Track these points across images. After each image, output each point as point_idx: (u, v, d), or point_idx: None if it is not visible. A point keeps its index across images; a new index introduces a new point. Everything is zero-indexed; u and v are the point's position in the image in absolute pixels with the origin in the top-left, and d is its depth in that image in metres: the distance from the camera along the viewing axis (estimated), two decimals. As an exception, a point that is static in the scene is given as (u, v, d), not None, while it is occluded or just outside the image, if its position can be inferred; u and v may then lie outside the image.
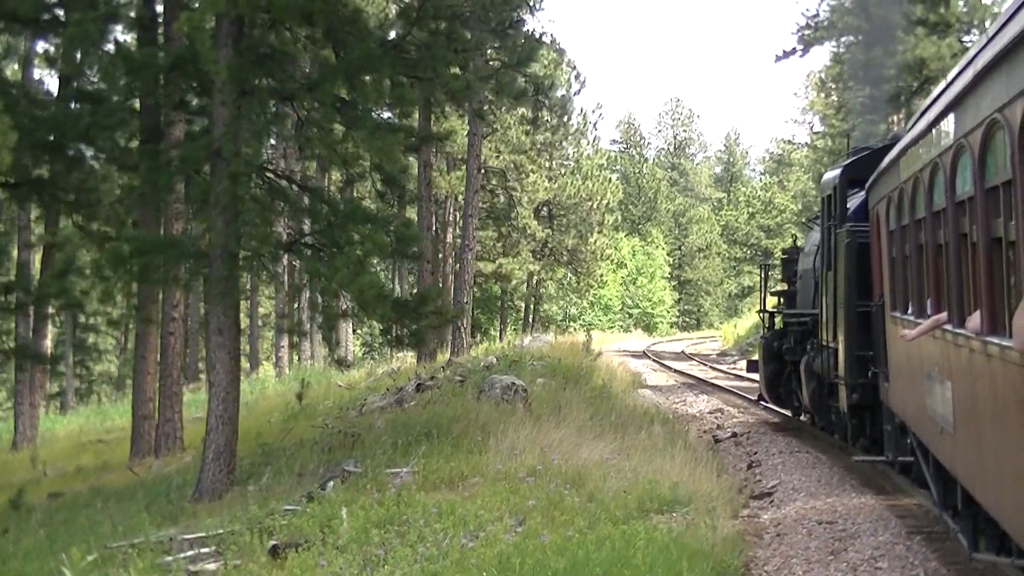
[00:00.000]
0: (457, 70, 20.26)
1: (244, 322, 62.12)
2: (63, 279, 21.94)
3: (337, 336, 19.30)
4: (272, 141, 26.76)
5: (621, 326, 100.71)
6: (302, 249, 19.03)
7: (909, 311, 13.72)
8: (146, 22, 23.75)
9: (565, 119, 76.29)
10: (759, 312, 31.51)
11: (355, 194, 40.65)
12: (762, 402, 29.23)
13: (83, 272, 22.27)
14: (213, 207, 18.40)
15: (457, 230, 67.85)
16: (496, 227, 70.21)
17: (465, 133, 41.61)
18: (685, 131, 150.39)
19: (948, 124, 10.43)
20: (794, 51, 56.90)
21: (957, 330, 10.07)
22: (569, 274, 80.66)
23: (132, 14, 23.19)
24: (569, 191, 74.44)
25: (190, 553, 13.65)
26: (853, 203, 20.88)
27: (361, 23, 18.32)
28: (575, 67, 77.76)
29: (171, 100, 19.85)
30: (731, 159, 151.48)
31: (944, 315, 10.97)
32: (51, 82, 39.19)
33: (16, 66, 36.39)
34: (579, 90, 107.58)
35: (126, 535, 15.30)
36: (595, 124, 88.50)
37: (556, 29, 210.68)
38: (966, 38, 40.35)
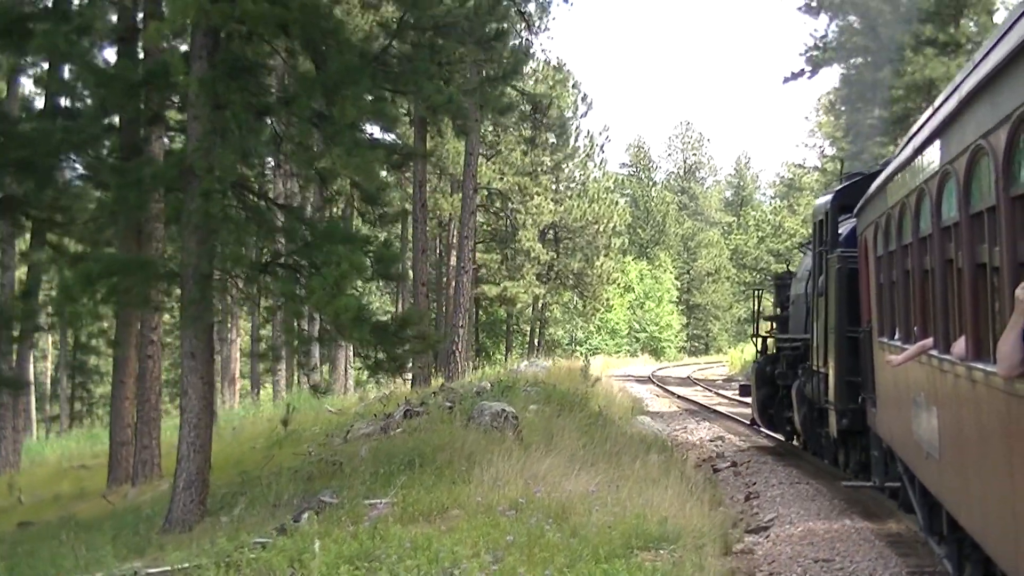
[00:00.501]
0: (442, 83, 19.46)
1: (245, 342, 61.62)
2: (28, 301, 21.15)
3: (315, 360, 18.44)
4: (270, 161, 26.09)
5: (628, 350, 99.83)
6: (278, 270, 18.25)
7: (896, 337, 13.81)
8: (125, 35, 22.95)
9: (572, 141, 75.80)
10: (752, 337, 31.39)
11: (339, 213, 39.65)
12: (755, 426, 29.27)
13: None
14: (185, 226, 17.66)
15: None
16: (500, 250, 69.50)
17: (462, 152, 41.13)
18: (695, 155, 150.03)
19: (934, 150, 10.54)
20: (802, 72, 56.31)
21: (943, 356, 10.13)
22: (575, 298, 79.83)
23: (109, 27, 22.39)
24: (575, 214, 73.86)
25: (153, 587, 12.94)
26: (845, 228, 20.91)
27: (340, 34, 17.52)
28: (581, 89, 77.04)
29: (143, 114, 19.07)
30: (741, 183, 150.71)
31: (930, 341, 11.05)
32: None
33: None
34: (586, 112, 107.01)
35: (88, 568, 14.67)
36: (602, 147, 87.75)
37: (558, 49, 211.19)
38: (976, 58, 39.59)
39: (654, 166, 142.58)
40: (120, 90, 18.31)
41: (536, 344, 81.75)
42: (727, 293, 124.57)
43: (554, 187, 74.91)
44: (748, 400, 31.48)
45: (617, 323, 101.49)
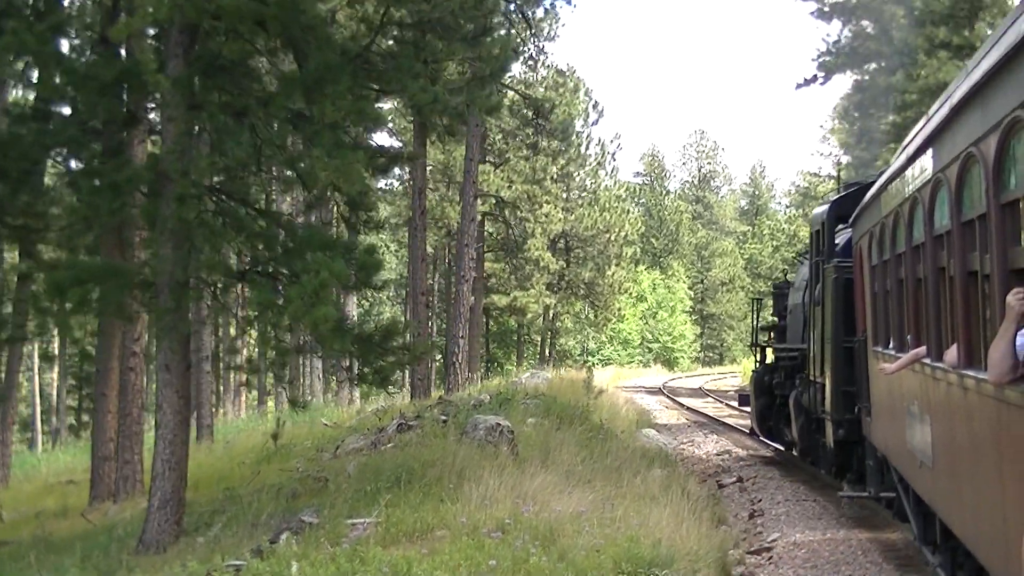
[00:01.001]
0: (428, 82, 18.59)
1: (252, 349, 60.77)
2: (16, 309, 20.26)
3: (292, 373, 17.55)
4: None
5: (641, 361, 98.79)
6: (256, 278, 17.41)
7: (890, 346, 13.79)
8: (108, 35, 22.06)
9: (582, 148, 75.00)
10: (751, 346, 31.79)
11: (337, 222, 38.73)
12: (754, 436, 29.38)
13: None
14: (159, 232, 16.85)
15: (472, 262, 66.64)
16: (508, 259, 68.70)
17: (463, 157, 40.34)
18: (709, 163, 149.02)
19: (926, 159, 10.62)
20: (815, 78, 55.52)
21: (935, 364, 10.19)
22: (586, 308, 78.96)
23: (85, 25, 21.51)
24: (586, 223, 73.03)
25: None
26: (842, 238, 20.87)
27: (320, 31, 16.66)
28: (592, 96, 76.16)
29: (119, 116, 18.24)
30: (756, 192, 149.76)
31: (923, 349, 11.07)
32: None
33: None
34: (597, 120, 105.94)
35: (51, 593, 13.80)
36: (613, 155, 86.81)
37: (571, 57, 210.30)
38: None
39: (668, 175, 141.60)
40: (93, 90, 17.50)
41: (547, 354, 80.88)
42: (741, 303, 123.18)
43: (564, 195, 74.17)
44: (748, 410, 31.17)
45: (629, 333, 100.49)
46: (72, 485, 30.02)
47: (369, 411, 31.96)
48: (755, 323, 31.14)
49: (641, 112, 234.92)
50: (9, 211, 19.83)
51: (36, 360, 72.70)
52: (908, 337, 12.32)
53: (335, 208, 30.13)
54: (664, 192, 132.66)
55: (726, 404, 47.41)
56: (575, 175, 76.17)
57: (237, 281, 17.50)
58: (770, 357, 28.39)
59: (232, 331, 49.14)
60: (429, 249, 71.67)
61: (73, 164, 20.81)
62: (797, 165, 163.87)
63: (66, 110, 20.18)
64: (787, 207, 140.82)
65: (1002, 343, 7.32)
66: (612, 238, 74.98)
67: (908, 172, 11.93)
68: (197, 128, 17.56)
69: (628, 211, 79.25)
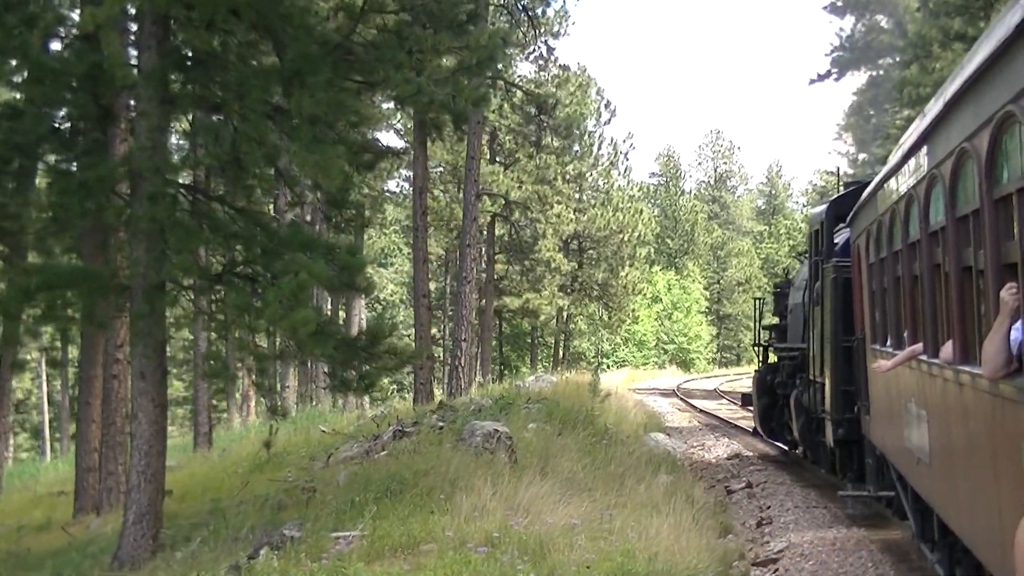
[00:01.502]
0: (412, 74, 17.73)
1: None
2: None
3: (272, 381, 16.78)
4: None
5: (656, 362, 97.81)
6: (233, 280, 16.59)
7: (888, 343, 13.79)
8: (92, 32, 21.18)
9: (595, 148, 74.22)
10: (753, 346, 32.16)
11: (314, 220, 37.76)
12: (758, 435, 29.59)
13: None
14: (132, 233, 16.06)
15: (483, 264, 65.71)
16: (520, 261, 67.85)
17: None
18: (726, 163, 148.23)
19: (922, 156, 10.68)
20: (829, 74, 54.75)
21: (932, 360, 10.26)
22: (600, 309, 78.01)
23: (55, 19, 20.63)
24: (599, 223, 72.11)
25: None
26: (841, 238, 20.82)
27: (297, 19, 15.81)
28: (604, 96, 75.28)
29: (90, 112, 17.43)
30: (773, 191, 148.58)
31: (919, 346, 11.12)
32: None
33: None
34: (609, 119, 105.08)
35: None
36: (626, 154, 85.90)
37: (583, 56, 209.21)
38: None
39: (683, 175, 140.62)
40: (63, 85, 16.71)
41: (561, 357, 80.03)
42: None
43: (577, 196, 73.38)
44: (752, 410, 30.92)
45: (644, 335, 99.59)
46: (63, 496, 29.22)
47: (371, 417, 31.13)
48: (757, 323, 31.24)
49: (657, 113, 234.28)
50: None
51: (44, 367, 72.05)
52: (905, 334, 12.29)
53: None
54: (679, 192, 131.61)
55: (740, 406, 46.48)
56: (587, 175, 75.37)
57: (213, 284, 16.62)
58: (773, 357, 28.36)
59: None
60: (440, 251, 71.14)
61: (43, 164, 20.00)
62: (814, 164, 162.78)
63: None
64: (804, 206, 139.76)
65: (996, 338, 7.32)
66: (626, 238, 74.07)
67: (904, 169, 11.99)
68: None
69: (641, 211, 78.05)
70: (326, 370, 18.22)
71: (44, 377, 73.84)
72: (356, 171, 19.03)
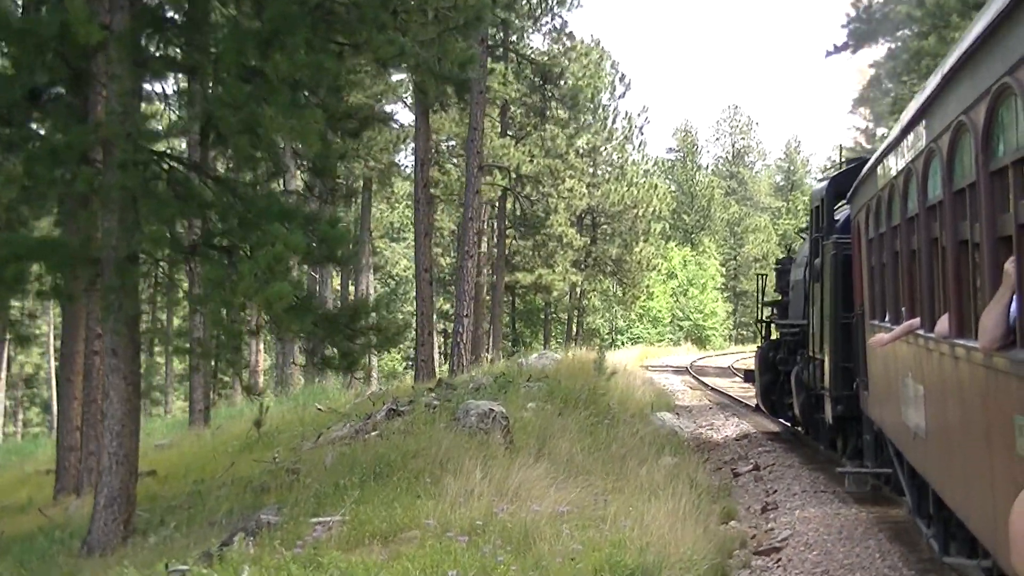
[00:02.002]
0: (397, 35, 16.85)
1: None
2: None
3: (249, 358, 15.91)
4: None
5: (671, 339, 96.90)
6: (208, 253, 15.77)
7: (886, 319, 13.78)
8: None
9: (609, 122, 73.35)
10: (756, 322, 32.80)
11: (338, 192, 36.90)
12: (759, 411, 29.68)
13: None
14: (102, 202, 15.24)
15: (494, 239, 64.88)
16: (530, 236, 66.97)
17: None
18: (743, 139, 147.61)
19: (920, 129, 10.65)
20: (846, 46, 53.61)
21: (928, 335, 10.28)
22: (614, 285, 77.05)
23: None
24: (613, 198, 71.16)
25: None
26: (842, 215, 20.89)
27: (276, -25, 14.96)
28: (619, 69, 74.28)
29: (61, 75, 16.58)
30: (792, 167, 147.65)
31: (916, 320, 11.13)
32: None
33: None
34: (624, 93, 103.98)
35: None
36: (641, 128, 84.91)
37: (598, 29, 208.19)
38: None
39: (700, 150, 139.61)
40: (32, 47, 15.86)
41: (575, 333, 79.20)
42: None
43: (591, 170, 72.49)
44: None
45: (659, 311, 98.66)
46: (49, 475, 28.50)
47: (368, 393, 30.33)
48: (760, 299, 31.47)
49: (674, 88, 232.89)
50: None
51: (52, 340, 71.46)
52: (903, 309, 12.22)
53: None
54: (696, 168, 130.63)
55: (743, 381, 45.63)
56: (602, 149, 74.47)
57: (188, 256, 15.81)
58: (775, 333, 28.39)
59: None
60: (452, 226, 70.32)
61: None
62: (833, 139, 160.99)
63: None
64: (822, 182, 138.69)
65: (996, 309, 7.22)
66: (640, 213, 73.09)
67: (903, 143, 11.92)
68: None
69: (656, 186, 77.04)
70: (305, 347, 17.40)
71: (52, 352, 73.17)
72: (341, 139, 18.22)
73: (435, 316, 66.20)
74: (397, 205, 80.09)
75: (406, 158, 67.45)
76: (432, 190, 58.70)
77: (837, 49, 53.70)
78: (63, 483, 23.27)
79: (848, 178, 19.83)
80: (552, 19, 62.53)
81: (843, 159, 24.83)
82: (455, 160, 62.80)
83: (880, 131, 68.93)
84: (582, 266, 71.93)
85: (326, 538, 13.00)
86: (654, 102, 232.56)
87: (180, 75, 16.73)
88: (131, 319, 15.88)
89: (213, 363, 30.77)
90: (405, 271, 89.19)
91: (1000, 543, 7.44)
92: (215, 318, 15.37)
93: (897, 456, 14.27)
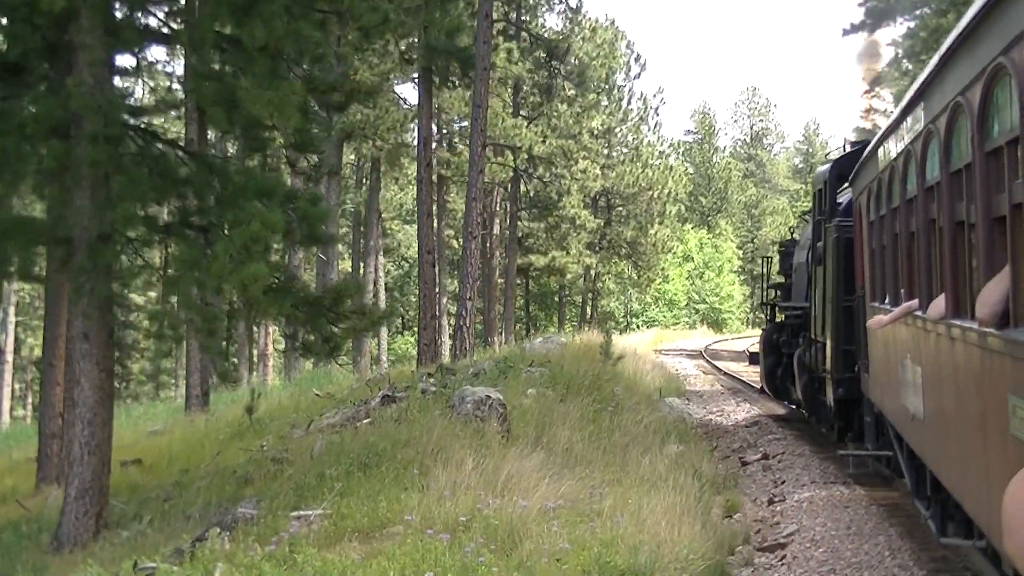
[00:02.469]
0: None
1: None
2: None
3: (221, 344, 15.16)
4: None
5: (687, 322, 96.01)
6: (183, 232, 14.99)
7: (886, 301, 13.79)
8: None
9: (624, 103, 72.62)
10: (760, 304, 34.23)
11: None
12: (764, 394, 30.05)
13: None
14: (72, 179, 14.48)
15: (507, 220, 64.09)
16: (542, 217, 66.18)
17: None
18: (762, 121, 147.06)
19: (919, 111, 10.66)
20: (863, 25, 52.65)
21: (926, 316, 10.30)
22: (629, 268, 76.17)
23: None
24: (628, 179, 70.35)
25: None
26: (844, 198, 20.94)
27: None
28: (634, 49, 73.50)
29: (32, 45, 15.79)
30: (810, 149, 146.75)
31: (915, 302, 11.15)
32: None
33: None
34: (639, 73, 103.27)
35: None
36: (656, 109, 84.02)
37: (614, 10, 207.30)
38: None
39: (717, 132, 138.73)
40: (-1, 15, 15.12)
41: (589, 316, 78.42)
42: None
43: (606, 152, 71.70)
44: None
45: (675, 294, 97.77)
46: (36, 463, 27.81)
47: (367, 380, 29.52)
48: (764, 281, 31.68)
49: (693, 70, 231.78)
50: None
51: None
52: (902, 291, 12.29)
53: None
54: (713, 150, 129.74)
55: (748, 364, 44.80)
56: (616, 130, 73.67)
57: (161, 235, 15.03)
58: (780, 316, 28.49)
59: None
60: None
61: None
62: (853, 122, 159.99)
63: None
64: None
65: (1000, 287, 7.16)
66: (655, 195, 72.34)
67: (903, 125, 11.90)
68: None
69: (671, 167, 76.16)
70: (285, 331, 16.63)
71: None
72: (327, 113, 17.44)
73: (446, 299, 65.73)
74: (409, 186, 79.48)
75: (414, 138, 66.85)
76: (443, 171, 58.14)
77: (854, 28, 52.72)
78: (45, 472, 22.53)
79: (851, 161, 19.89)
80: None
81: (846, 142, 24.62)
82: (467, 140, 61.99)
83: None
84: (596, 248, 71.22)
85: (305, 533, 12.38)
86: (672, 84, 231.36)
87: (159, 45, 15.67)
88: (103, 302, 15.12)
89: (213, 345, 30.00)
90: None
91: (995, 524, 7.33)
92: (188, 301, 14.61)
93: (897, 439, 14.21)
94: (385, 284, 72.68)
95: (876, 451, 16.75)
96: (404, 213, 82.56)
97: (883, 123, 18.23)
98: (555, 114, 59.81)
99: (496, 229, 64.18)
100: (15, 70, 16.43)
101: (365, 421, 19.83)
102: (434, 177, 61.71)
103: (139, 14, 15.02)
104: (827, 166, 22.26)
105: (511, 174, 59.66)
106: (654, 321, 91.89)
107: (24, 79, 16.46)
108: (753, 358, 31.69)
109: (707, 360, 50.42)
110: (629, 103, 74.62)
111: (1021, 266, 6.98)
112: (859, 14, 51.74)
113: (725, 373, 42.46)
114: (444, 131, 63.47)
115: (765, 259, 33.26)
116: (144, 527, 14.99)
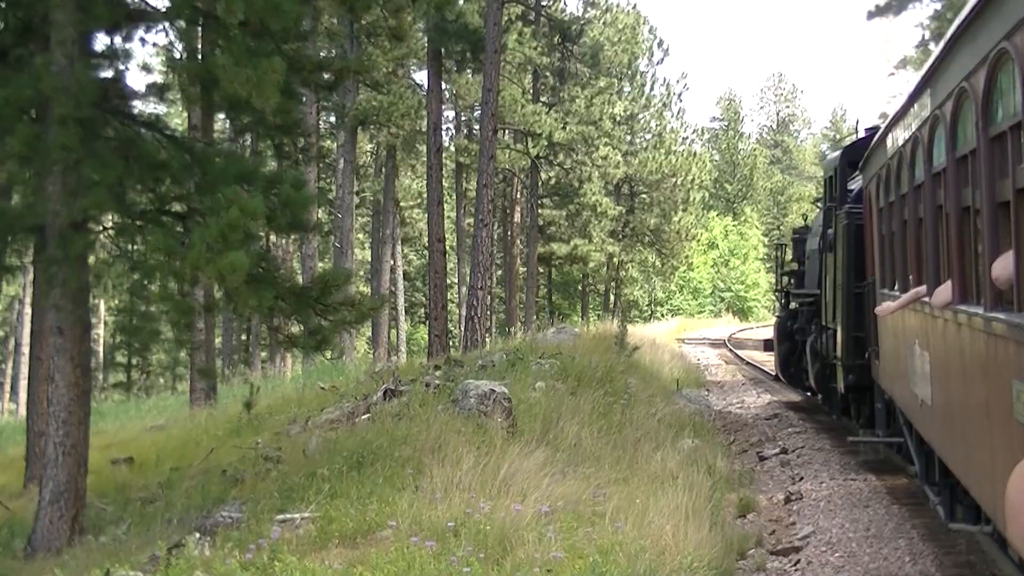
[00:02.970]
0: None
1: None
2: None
3: (193, 338, 14.32)
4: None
5: (712, 310, 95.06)
6: (160, 219, 14.18)
7: (895, 287, 13.86)
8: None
9: (647, 89, 71.91)
10: (775, 291, 34.01)
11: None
12: (779, 380, 30.20)
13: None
14: (43, 164, 13.70)
15: (527, 209, 63.27)
16: (563, 205, 65.37)
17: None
18: (788, 107, 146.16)
19: (926, 97, 10.68)
20: (888, 7, 51.69)
21: (931, 302, 10.40)
22: (653, 256, 75.24)
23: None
24: (651, 166, 69.48)
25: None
26: (855, 185, 20.78)
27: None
28: (656, 34, 72.65)
29: (9, 24, 15.06)
30: (837, 135, 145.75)
31: (923, 288, 11.15)
32: None
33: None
34: (662, 59, 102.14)
35: None
36: (679, 95, 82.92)
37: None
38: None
39: (743, 119, 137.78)
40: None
41: (613, 305, 77.56)
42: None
43: (628, 138, 70.88)
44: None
45: (700, 282, 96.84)
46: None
47: (374, 372, 28.69)
48: (778, 268, 31.52)
49: (719, 57, 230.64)
50: None
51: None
52: (910, 277, 12.34)
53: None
54: (738, 136, 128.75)
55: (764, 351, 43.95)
56: (639, 116, 72.87)
57: (137, 223, 14.21)
58: (794, 303, 28.22)
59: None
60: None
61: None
62: (879, 107, 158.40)
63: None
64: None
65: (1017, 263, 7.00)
66: (679, 182, 71.49)
67: (911, 111, 11.92)
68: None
69: (695, 154, 75.21)
70: (269, 324, 15.83)
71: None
72: (315, 93, 16.60)
73: (465, 288, 64.98)
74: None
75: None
76: (461, 158, 57.36)
77: (880, 11, 51.72)
78: (33, 471, 21.73)
79: (861, 148, 19.79)
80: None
81: (858, 128, 25.01)
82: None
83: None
84: (620, 236, 70.42)
85: (288, 539, 11.62)
86: (698, 71, 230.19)
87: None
88: (77, 294, 14.32)
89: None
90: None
91: (1000, 509, 7.29)
92: (162, 293, 13.80)
93: (907, 425, 14.16)
94: (405, 273, 71.96)
95: (887, 438, 16.72)
96: (424, 201, 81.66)
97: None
98: (569, 98, 58.93)
99: (517, 217, 63.30)
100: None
101: (364, 417, 19.08)
102: (452, 164, 61.17)
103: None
104: (837, 153, 22.32)
105: (529, 162, 58.76)
106: (679, 310, 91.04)
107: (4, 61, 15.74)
108: (768, 345, 31.48)
109: (730, 349, 49.56)
110: (652, 89, 73.95)
111: None
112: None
113: (747, 363, 41.61)
114: (463, 117, 62.77)
115: (780, 246, 33.22)
116: (123, 531, 14.31)
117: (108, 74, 15.61)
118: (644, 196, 72.55)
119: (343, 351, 29.46)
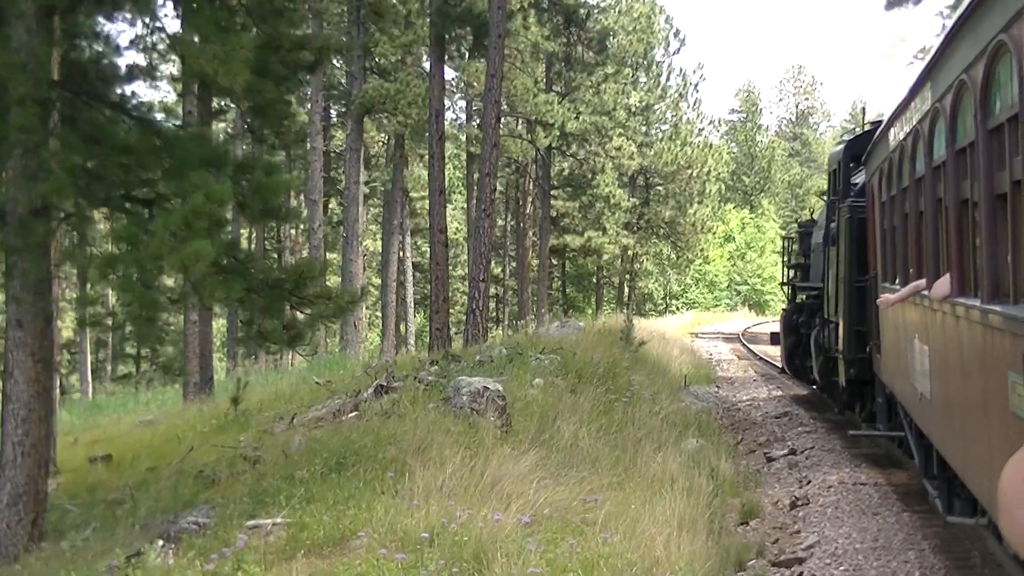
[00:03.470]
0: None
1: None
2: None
3: (158, 332, 13.51)
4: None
5: (728, 304, 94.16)
6: (124, 205, 13.39)
7: (897, 281, 13.82)
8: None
9: (662, 79, 71.06)
10: (781, 284, 33.94)
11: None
12: (784, 374, 30.27)
13: None
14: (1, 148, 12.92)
15: (539, 200, 62.49)
16: (575, 196, 64.52)
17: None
18: (807, 100, 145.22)
19: (927, 90, 10.74)
20: (907, -3, 50.71)
21: (930, 295, 10.45)
22: (668, 248, 74.31)
23: None
24: (666, 158, 68.57)
25: None
26: (858, 179, 20.89)
27: None
28: (673, 24, 71.81)
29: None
30: (857, 128, 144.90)
31: (922, 281, 11.21)
32: None
33: None
34: (678, 49, 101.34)
35: None
36: (696, 86, 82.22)
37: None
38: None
39: (762, 111, 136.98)
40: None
41: (627, 298, 76.72)
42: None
43: (643, 129, 70.04)
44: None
45: (716, 275, 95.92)
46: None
47: (369, 367, 27.91)
48: (784, 262, 31.88)
49: (738, 48, 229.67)
50: None
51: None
52: (911, 271, 12.41)
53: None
54: (756, 128, 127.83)
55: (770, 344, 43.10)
56: (655, 107, 72.01)
57: (102, 208, 13.43)
58: (800, 296, 28.49)
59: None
60: (499, 188, 67.95)
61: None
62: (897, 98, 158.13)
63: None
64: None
65: None
66: (695, 174, 70.54)
67: (912, 105, 11.99)
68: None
69: (711, 146, 74.22)
70: (241, 318, 15.03)
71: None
72: (294, 73, 15.79)
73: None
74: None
75: (453, 114, 65.37)
76: (472, 148, 56.47)
77: (898, 0, 50.70)
78: (7, 469, 21.10)
79: (865, 141, 19.66)
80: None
81: (864, 121, 25.32)
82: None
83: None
84: (634, 228, 69.57)
85: (255, 546, 10.88)
86: (717, 63, 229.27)
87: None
88: (39, 285, 13.54)
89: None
90: (456, 233, 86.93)
91: (996, 502, 6.95)
92: (126, 283, 12.99)
93: (907, 419, 14.15)
94: (416, 264, 71.24)
95: (887, 432, 16.70)
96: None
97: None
98: (583, 86, 58.08)
99: (529, 209, 62.52)
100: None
101: (351, 415, 18.27)
102: (463, 154, 60.33)
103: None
104: (841, 146, 22.52)
105: (538, 152, 57.87)
106: (694, 303, 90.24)
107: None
108: (775, 338, 31.77)
109: (743, 344, 48.67)
110: (668, 79, 73.06)
111: (1022, 243, 6.99)
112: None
113: (760, 358, 40.76)
114: (475, 107, 61.98)
115: (786, 240, 33.26)
116: (87, 536, 13.56)
117: (85, 55, 14.91)
118: (659, 188, 71.71)
119: (317, 347, 28.60)
